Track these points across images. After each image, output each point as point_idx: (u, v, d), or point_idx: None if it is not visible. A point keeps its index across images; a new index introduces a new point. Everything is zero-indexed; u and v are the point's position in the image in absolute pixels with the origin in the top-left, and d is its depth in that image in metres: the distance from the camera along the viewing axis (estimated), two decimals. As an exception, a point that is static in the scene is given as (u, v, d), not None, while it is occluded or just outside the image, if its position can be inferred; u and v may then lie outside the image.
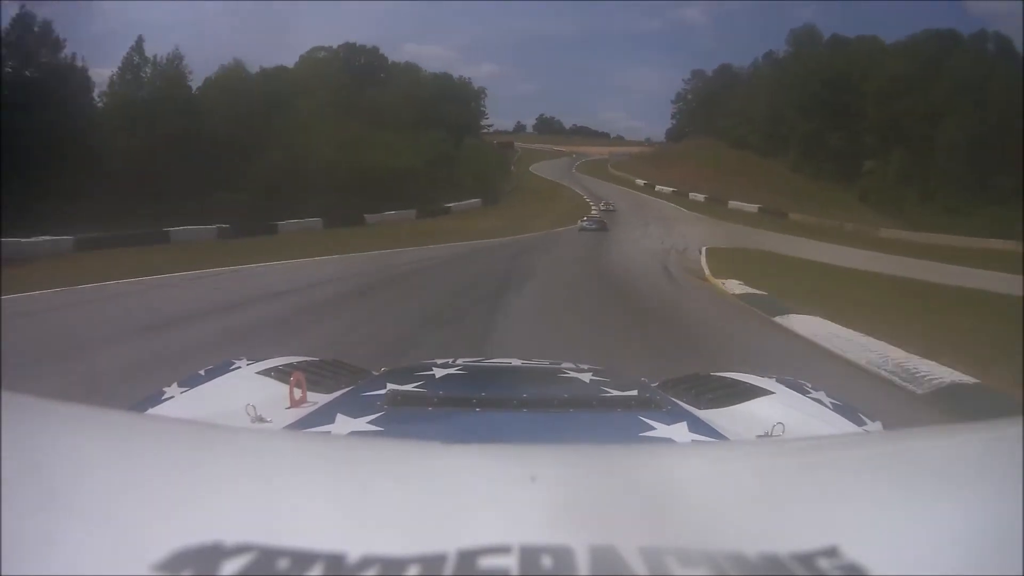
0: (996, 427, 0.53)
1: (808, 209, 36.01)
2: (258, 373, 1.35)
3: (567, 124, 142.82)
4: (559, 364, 1.60)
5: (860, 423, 1.23)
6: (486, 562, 0.30)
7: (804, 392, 1.36)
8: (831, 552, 0.32)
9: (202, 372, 1.37)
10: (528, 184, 53.21)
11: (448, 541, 0.32)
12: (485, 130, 71.25)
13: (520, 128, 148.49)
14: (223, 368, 1.39)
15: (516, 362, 1.78)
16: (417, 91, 49.45)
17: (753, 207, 38.26)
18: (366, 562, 0.30)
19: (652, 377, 1.56)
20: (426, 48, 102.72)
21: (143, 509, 0.35)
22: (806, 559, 0.31)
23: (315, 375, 1.34)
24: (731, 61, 67.54)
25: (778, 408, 1.23)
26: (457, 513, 0.36)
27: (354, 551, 0.30)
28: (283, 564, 0.29)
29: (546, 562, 0.30)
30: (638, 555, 0.31)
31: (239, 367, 1.40)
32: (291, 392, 1.15)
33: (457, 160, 42.51)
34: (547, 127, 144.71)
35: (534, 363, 1.77)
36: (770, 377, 1.45)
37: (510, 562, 0.30)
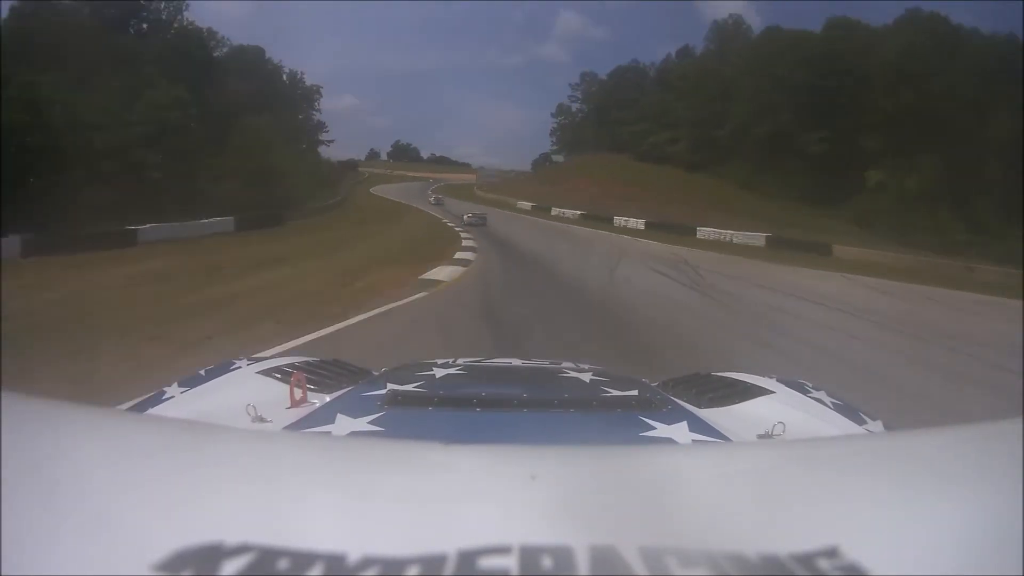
0: (996, 427, 0.52)
1: (808, 236, 21.55)
2: (258, 373, 1.34)
3: (425, 154, 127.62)
4: (559, 364, 1.60)
5: (860, 422, 1.21)
6: (486, 562, 0.30)
7: (804, 391, 1.35)
8: (831, 552, 0.31)
9: (202, 372, 1.36)
10: (362, 203, 35.32)
11: (448, 541, 0.31)
12: (325, 145, 55.29)
13: (373, 155, 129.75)
14: (223, 368, 1.38)
15: (516, 362, 1.74)
16: (184, 46, 29.69)
17: (757, 236, 23.04)
18: (366, 562, 0.30)
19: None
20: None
21: (143, 509, 0.35)
22: (806, 559, 0.31)
23: (315, 375, 1.33)
24: (595, 97, 55.98)
25: (778, 407, 1.22)
26: (457, 513, 0.36)
27: (354, 551, 0.30)
28: (283, 564, 0.29)
29: (546, 562, 0.30)
30: (638, 555, 0.30)
31: (239, 367, 1.38)
32: (291, 392, 1.15)
33: (224, 148, 22.78)
34: (403, 154, 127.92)
35: (534, 363, 1.73)
36: (770, 376, 1.44)
37: (510, 562, 0.30)
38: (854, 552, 0.31)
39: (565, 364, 1.56)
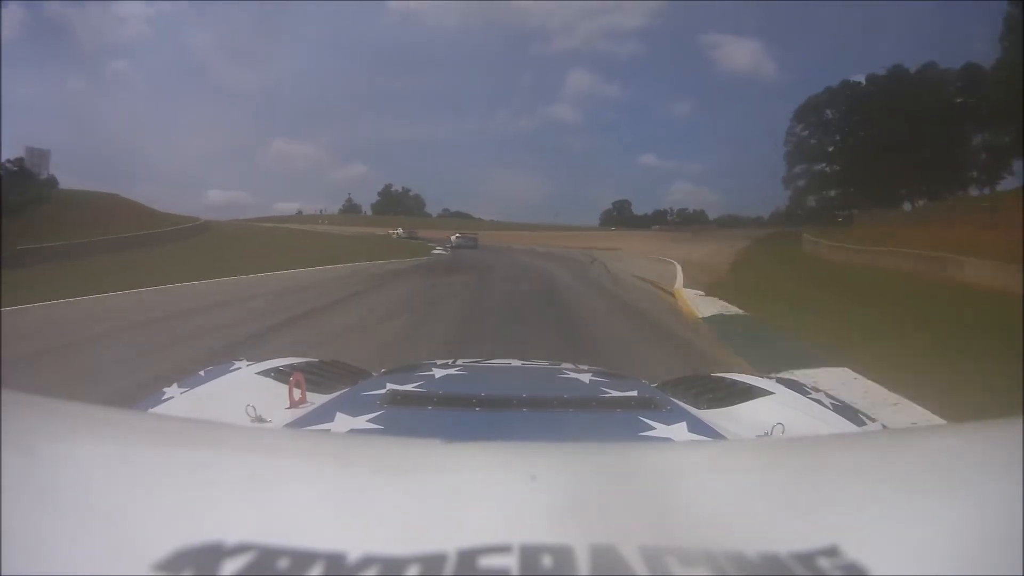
0: (996, 427, 0.52)
1: None
2: (258, 374, 1.34)
3: (433, 211, 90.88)
4: (559, 365, 1.61)
5: (860, 423, 1.21)
6: (486, 562, 0.30)
7: (803, 392, 1.34)
8: (831, 552, 0.31)
9: (202, 373, 1.36)
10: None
11: (448, 540, 0.31)
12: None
13: (353, 208, 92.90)
14: (223, 369, 1.39)
15: (516, 363, 1.76)
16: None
17: None
18: (366, 561, 0.30)
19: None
20: (294, 146, 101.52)
21: (143, 509, 0.35)
22: (806, 559, 0.31)
23: (315, 376, 1.33)
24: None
25: (778, 408, 1.21)
26: (457, 512, 0.35)
27: (354, 550, 0.30)
28: (283, 564, 0.29)
29: (546, 562, 0.30)
30: (638, 555, 0.30)
31: (239, 368, 1.39)
32: (290, 392, 1.14)
33: None
34: (397, 206, 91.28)
35: (534, 364, 1.75)
36: (770, 377, 1.43)
37: (510, 562, 0.29)
38: (854, 552, 0.31)
39: (564, 365, 1.58)
